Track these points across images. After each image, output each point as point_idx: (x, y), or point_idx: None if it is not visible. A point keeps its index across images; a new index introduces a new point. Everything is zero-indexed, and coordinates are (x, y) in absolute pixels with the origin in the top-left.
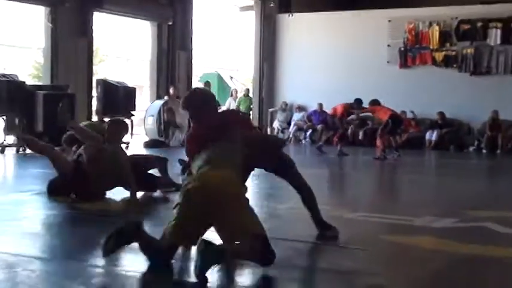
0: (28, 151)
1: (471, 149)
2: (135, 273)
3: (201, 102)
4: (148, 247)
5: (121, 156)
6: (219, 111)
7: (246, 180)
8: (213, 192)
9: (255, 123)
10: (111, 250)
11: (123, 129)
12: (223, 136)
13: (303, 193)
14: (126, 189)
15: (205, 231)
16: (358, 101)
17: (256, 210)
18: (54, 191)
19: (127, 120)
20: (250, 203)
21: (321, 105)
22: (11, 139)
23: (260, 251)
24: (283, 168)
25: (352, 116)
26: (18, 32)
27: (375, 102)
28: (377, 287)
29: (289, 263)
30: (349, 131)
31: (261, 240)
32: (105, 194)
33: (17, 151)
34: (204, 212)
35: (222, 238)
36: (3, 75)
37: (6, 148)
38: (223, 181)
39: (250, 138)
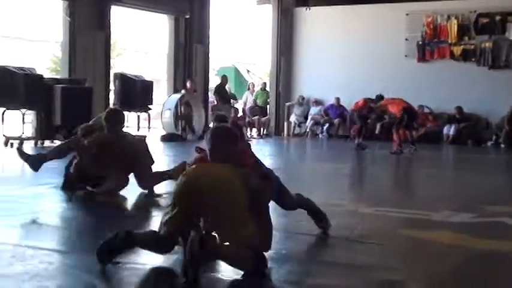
0: (46, 144)
1: (489, 143)
2: (151, 266)
3: (226, 141)
4: (147, 243)
5: (135, 145)
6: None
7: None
8: (205, 185)
9: (272, 119)
10: (106, 261)
11: (122, 117)
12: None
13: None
14: (139, 183)
15: (198, 221)
16: (379, 97)
17: (271, 204)
18: (70, 184)
19: (144, 114)
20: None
21: (338, 99)
22: (28, 132)
23: (253, 262)
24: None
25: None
26: (36, 26)
27: (379, 97)
28: (394, 281)
29: (306, 256)
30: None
31: (255, 252)
32: (120, 187)
33: (35, 144)
34: (194, 204)
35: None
36: (21, 69)
37: (25, 141)
38: (220, 175)
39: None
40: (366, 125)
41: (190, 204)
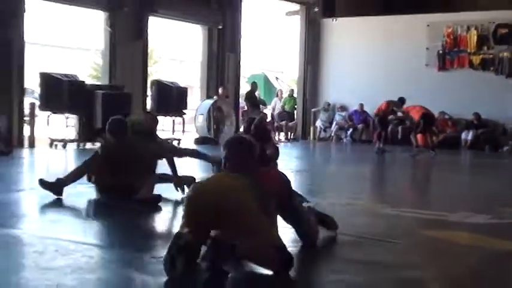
0: (88, 146)
1: (505, 149)
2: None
3: (245, 152)
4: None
5: (143, 148)
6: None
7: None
8: (213, 195)
9: (299, 124)
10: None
11: (156, 122)
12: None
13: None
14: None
15: (214, 227)
16: (401, 100)
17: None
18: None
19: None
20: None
21: (361, 105)
22: (71, 135)
23: (280, 261)
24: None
25: (391, 116)
26: (78, 35)
27: (401, 100)
28: (412, 280)
29: (329, 254)
30: (389, 129)
31: (281, 252)
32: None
33: (78, 146)
34: (206, 212)
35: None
36: (65, 76)
37: (68, 143)
38: (227, 185)
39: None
40: (386, 130)
41: (202, 217)
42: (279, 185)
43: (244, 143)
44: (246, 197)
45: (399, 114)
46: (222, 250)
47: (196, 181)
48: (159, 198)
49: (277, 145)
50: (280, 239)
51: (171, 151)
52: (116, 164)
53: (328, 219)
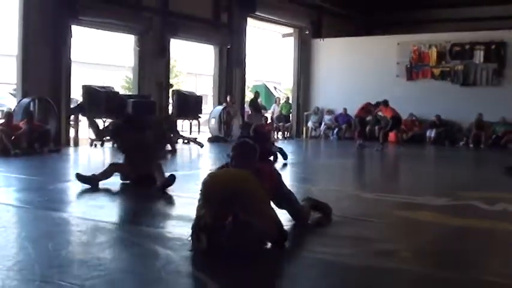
0: None
1: (461, 144)
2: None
3: (249, 153)
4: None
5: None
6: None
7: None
8: (228, 183)
9: (293, 125)
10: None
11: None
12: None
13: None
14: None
15: (228, 210)
16: (385, 102)
17: (293, 190)
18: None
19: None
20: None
21: (345, 109)
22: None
23: (279, 236)
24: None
25: (369, 117)
26: (113, 55)
27: (385, 102)
28: (389, 251)
29: (318, 231)
30: (367, 128)
31: (280, 228)
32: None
33: (112, 145)
34: (222, 198)
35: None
36: (103, 87)
37: (105, 143)
38: (238, 176)
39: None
40: (365, 129)
41: (217, 202)
42: (272, 177)
43: (248, 146)
44: (255, 185)
45: (380, 114)
46: (241, 227)
47: (210, 172)
48: (173, 177)
49: (275, 143)
50: (279, 218)
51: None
52: (134, 157)
53: (322, 205)
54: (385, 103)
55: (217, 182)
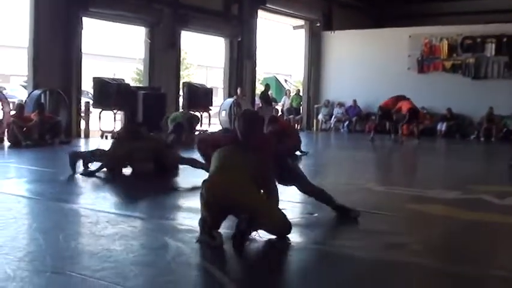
0: None
1: (472, 137)
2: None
3: (255, 124)
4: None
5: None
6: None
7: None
8: (222, 192)
9: (304, 117)
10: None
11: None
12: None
13: (312, 196)
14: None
15: (228, 212)
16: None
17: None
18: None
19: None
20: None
21: (355, 101)
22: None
23: (284, 228)
24: (288, 177)
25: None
26: (124, 47)
27: (399, 97)
28: (400, 244)
29: (330, 223)
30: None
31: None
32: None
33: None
34: (220, 203)
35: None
36: (114, 80)
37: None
38: (235, 182)
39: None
40: (392, 121)
41: (216, 207)
42: (272, 143)
43: (256, 118)
44: (251, 189)
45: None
46: (247, 223)
47: (208, 175)
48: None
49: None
50: (283, 213)
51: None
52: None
53: (351, 212)
54: (404, 97)
55: (217, 192)
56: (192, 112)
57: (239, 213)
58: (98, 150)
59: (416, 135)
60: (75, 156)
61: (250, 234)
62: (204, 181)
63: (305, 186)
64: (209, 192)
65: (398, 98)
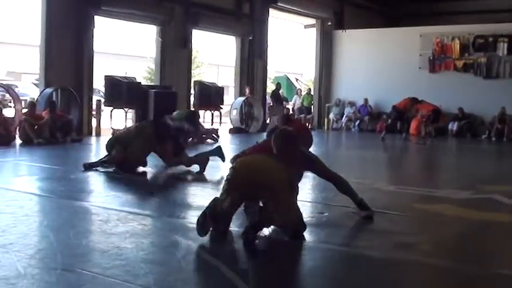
0: None
1: (483, 137)
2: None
3: (292, 143)
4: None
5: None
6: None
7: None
8: (255, 170)
9: (315, 117)
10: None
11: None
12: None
13: (334, 184)
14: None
15: (247, 201)
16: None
17: (313, 183)
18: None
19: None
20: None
21: (366, 100)
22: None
23: (299, 225)
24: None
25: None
26: (135, 45)
27: (415, 100)
28: (410, 244)
29: (340, 223)
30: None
31: (301, 224)
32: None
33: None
34: (246, 185)
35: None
36: (125, 78)
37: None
38: (265, 163)
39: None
40: (404, 122)
41: (243, 188)
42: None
43: (294, 137)
44: (283, 177)
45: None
46: (264, 218)
47: (238, 159)
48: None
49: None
50: (300, 210)
51: None
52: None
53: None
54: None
55: (246, 168)
56: (188, 109)
57: (259, 196)
58: (109, 158)
59: (432, 134)
60: (90, 167)
61: (261, 230)
62: (234, 160)
63: (326, 173)
64: (237, 169)
65: (414, 100)
